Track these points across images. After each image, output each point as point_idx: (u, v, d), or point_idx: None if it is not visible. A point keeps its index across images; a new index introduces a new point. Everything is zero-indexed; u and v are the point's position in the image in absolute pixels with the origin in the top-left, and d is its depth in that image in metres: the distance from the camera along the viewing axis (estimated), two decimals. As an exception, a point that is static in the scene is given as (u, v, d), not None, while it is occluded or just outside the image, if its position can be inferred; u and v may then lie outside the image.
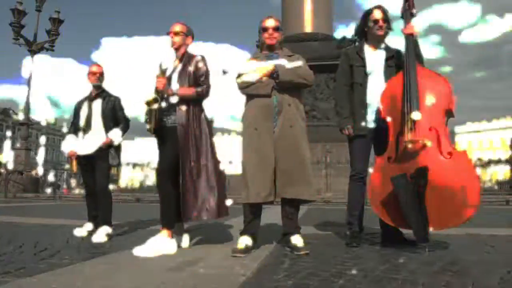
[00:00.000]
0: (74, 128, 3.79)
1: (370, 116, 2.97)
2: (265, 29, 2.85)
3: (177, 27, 2.98)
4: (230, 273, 2.03)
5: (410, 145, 2.65)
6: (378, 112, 2.92)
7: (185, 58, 2.97)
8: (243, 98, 2.87)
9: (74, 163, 3.74)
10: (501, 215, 6.51)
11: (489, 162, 15.19)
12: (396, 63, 3.02)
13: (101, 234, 3.30)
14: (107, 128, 3.65)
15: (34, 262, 2.31)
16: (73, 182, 16.61)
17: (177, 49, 3.00)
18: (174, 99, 2.85)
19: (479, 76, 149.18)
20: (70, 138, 3.78)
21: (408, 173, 2.58)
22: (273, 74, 2.69)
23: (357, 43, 3.21)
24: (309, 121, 9.92)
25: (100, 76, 3.75)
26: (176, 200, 2.81)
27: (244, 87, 2.77)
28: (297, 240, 2.65)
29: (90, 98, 3.73)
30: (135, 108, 2.90)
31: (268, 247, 2.80)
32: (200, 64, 2.94)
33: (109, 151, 3.62)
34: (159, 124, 2.87)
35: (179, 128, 2.80)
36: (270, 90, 2.71)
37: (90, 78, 3.73)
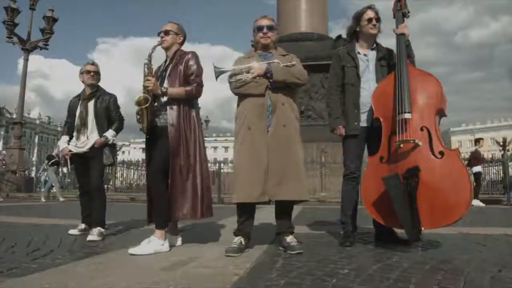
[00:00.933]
0: (68, 128, 3.77)
1: (363, 116, 2.98)
2: (259, 29, 2.84)
3: (167, 26, 2.96)
4: (223, 272, 2.03)
5: (401, 145, 2.67)
6: (371, 112, 2.93)
7: (176, 57, 2.93)
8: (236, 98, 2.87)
9: (69, 162, 3.72)
10: (494, 214, 6.57)
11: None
12: (388, 62, 3.04)
13: (95, 234, 3.29)
14: (101, 128, 3.63)
15: (26, 262, 2.30)
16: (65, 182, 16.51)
17: (168, 48, 2.97)
18: (164, 99, 2.84)
19: (473, 77, 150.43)
20: (64, 138, 3.77)
21: (400, 173, 2.59)
22: (267, 74, 2.69)
23: (348, 44, 3.22)
24: (304, 121, 10.07)
25: (96, 75, 3.71)
26: (168, 200, 2.80)
27: (238, 87, 2.77)
28: (290, 239, 2.66)
29: (85, 98, 3.70)
30: (131, 108, 2.86)
31: (262, 247, 2.80)
32: (191, 62, 2.88)
33: (103, 150, 3.60)
34: (151, 124, 2.86)
35: (169, 128, 2.78)
36: (263, 90, 2.71)
37: (84, 77, 3.68)
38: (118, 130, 3.73)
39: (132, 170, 15.56)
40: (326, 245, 2.91)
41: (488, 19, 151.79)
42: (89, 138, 3.61)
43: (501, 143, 28.97)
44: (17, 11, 14.50)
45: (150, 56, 2.88)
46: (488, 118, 73.79)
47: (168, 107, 2.82)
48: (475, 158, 10.19)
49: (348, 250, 2.71)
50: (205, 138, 3.23)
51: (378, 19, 3.01)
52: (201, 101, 3.12)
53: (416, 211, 2.52)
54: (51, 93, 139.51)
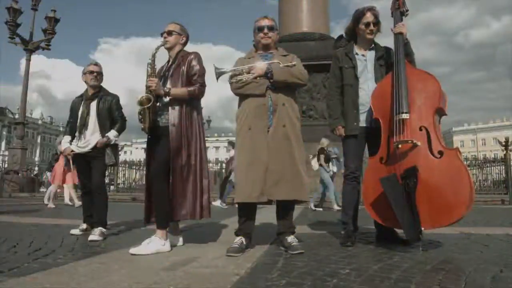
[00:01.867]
0: (71, 128, 3.78)
1: (362, 116, 2.98)
2: (260, 29, 2.85)
3: (170, 26, 2.96)
4: (224, 272, 2.03)
5: (400, 146, 2.66)
6: (370, 112, 2.93)
7: (179, 58, 2.94)
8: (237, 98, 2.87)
9: (71, 162, 3.74)
10: (496, 214, 6.55)
11: (485, 162, 15.26)
12: (386, 61, 3.03)
13: (96, 234, 3.30)
14: (104, 128, 3.64)
15: (28, 261, 2.30)
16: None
17: (170, 49, 2.98)
18: (166, 99, 2.84)
19: (475, 76, 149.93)
20: (67, 138, 3.78)
21: (398, 173, 2.59)
22: (267, 74, 2.69)
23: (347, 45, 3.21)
24: (306, 121, 10.06)
25: (98, 75, 3.72)
26: (169, 200, 2.80)
27: (238, 88, 2.77)
28: (291, 239, 2.66)
29: (87, 98, 3.71)
30: (133, 108, 2.86)
31: (263, 247, 2.80)
32: (193, 62, 2.88)
33: (105, 150, 3.61)
34: (153, 124, 2.86)
35: (171, 128, 2.78)
36: (264, 90, 2.71)
37: (87, 77, 3.69)
38: (120, 131, 3.73)
39: (134, 170, 15.59)
40: (327, 245, 2.91)
41: (489, 19, 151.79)
42: (91, 138, 3.62)
43: (504, 143, 28.81)
44: (19, 11, 14.52)
45: (154, 56, 2.88)
46: (491, 118, 73.71)
47: (170, 108, 2.83)
48: None
49: (349, 250, 2.71)
50: (206, 138, 3.23)
51: (376, 23, 2.99)
52: (203, 101, 3.13)
53: (415, 211, 2.51)
54: (53, 93, 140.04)
